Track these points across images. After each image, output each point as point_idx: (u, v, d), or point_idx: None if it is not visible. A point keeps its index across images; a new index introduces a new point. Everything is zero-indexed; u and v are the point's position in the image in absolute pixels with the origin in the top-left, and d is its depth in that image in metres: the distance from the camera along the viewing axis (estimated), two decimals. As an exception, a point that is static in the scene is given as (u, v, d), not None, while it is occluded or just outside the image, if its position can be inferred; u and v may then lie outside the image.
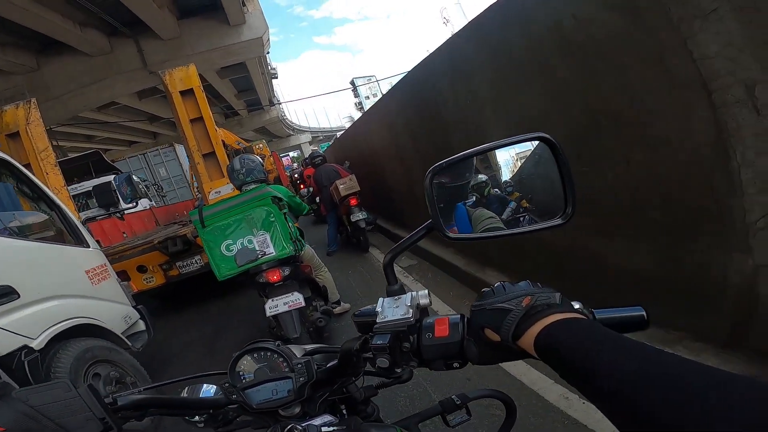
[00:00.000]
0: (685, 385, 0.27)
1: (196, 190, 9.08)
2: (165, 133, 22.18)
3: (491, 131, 2.98)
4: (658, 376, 0.29)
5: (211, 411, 0.73)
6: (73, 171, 9.44)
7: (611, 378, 0.32)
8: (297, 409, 0.70)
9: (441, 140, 3.85)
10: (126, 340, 2.90)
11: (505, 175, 0.74)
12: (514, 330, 0.45)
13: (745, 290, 1.66)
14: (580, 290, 2.47)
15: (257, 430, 0.74)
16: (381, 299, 0.65)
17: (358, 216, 5.59)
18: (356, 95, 59.01)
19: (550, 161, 0.61)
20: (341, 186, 5.66)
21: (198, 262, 4.75)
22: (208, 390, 0.78)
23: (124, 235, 6.75)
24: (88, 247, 2.96)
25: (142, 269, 4.73)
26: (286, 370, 0.69)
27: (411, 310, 0.60)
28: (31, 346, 2.13)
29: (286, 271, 2.81)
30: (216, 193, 5.03)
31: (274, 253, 2.74)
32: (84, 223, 3.17)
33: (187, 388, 0.80)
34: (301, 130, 47.46)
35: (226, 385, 0.71)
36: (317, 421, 0.67)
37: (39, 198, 2.88)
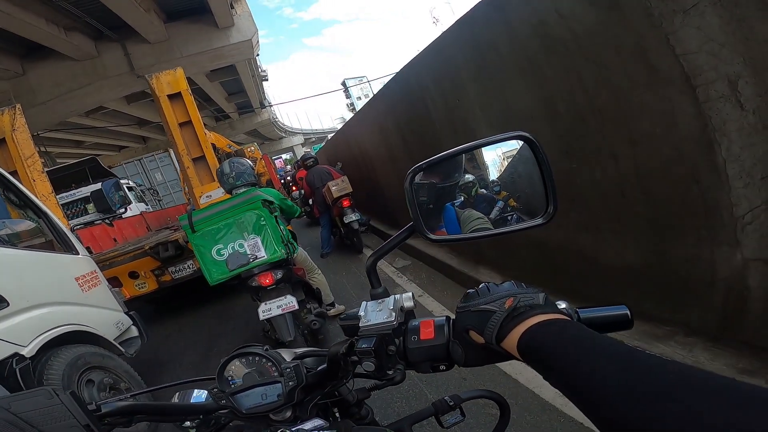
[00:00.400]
0: (665, 391, 0.27)
1: (187, 194, 9.01)
2: (155, 137, 21.97)
3: (480, 130, 2.99)
4: (639, 381, 0.29)
5: (201, 416, 0.73)
6: (70, 177, 9.37)
7: (591, 384, 0.32)
8: (288, 413, 0.69)
9: (431, 139, 3.86)
10: (119, 346, 2.88)
11: (493, 174, 0.73)
12: (497, 332, 0.45)
13: (734, 284, 1.69)
14: (571, 286, 2.50)
15: None
16: (364, 303, 0.65)
17: (352, 217, 5.55)
18: (348, 96, 58.84)
19: (533, 160, 0.61)
20: (333, 187, 5.62)
21: (191, 267, 4.69)
22: (199, 395, 0.78)
23: (115, 241, 6.67)
24: (77, 254, 2.93)
25: (134, 275, 4.67)
26: (276, 374, 0.68)
27: (394, 314, 0.60)
28: (21, 353, 2.12)
29: (279, 275, 2.79)
30: (207, 197, 4.97)
31: (266, 257, 2.72)
32: (72, 230, 3.14)
33: (177, 393, 0.80)
34: (293, 132, 47.23)
35: (215, 390, 0.70)
36: (308, 426, 0.66)
37: (26, 205, 2.86)
